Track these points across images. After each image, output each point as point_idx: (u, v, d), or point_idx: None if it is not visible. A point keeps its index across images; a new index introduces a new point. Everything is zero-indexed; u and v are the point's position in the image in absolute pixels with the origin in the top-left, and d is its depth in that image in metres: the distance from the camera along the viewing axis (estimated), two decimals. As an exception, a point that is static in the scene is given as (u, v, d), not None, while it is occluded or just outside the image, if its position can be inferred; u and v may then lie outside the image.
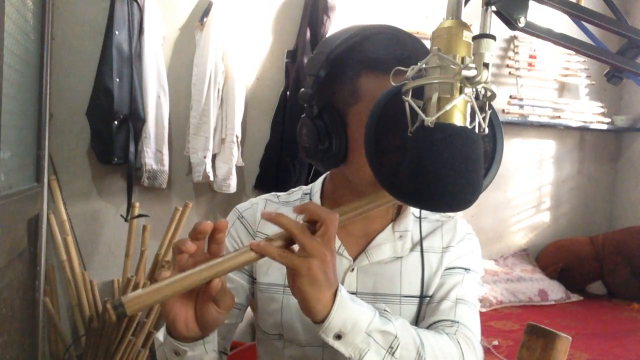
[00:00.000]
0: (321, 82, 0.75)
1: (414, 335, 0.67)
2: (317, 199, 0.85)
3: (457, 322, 0.76)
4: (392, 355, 0.63)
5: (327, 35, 0.80)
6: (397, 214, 0.83)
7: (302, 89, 0.78)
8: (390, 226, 0.82)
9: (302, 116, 0.78)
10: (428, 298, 0.81)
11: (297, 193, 0.90)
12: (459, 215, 0.87)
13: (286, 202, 0.88)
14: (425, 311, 0.80)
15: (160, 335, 0.71)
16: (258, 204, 0.88)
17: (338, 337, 0.61)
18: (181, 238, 0.60)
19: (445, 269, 0.82)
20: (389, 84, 0.71)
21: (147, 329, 1.91)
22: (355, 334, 0.61)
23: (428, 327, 0.77)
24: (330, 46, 0.75)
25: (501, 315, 2.42)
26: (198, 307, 0.61)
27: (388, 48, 0.73)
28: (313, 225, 0.63)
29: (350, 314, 0.61)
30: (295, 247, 0.61)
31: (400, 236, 0.81)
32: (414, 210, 0.85)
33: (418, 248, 0.82)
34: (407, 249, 0.81)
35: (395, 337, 0.64)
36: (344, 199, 0.79)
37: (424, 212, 0.85)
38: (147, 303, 0.55)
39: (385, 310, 0.67)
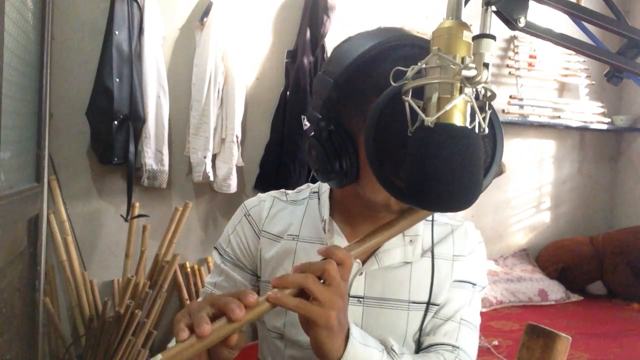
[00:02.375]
0: (330, 107, 0.72)
1: None
2: (325, 198, 0.84)
3: (458, 348, 0.78)
4: None
5: (337, 46, 0.76)
6: None
7: (310, 109, 0.76)
8: None
9: (310, 135, 0.76)
10: (435, 306, 0.80)
11: (305, 191, 0.89)
12: (467, 221, 0.88)
13: (294, 201, 0.88)
14: (430, 325, 0.81)
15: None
16: (265, 202, 0.88)
17: None
18: (193, 304, 0.60)
19: (455, 281, 0.81)
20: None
21: (147, 329, 1.91)
22: None
23: (429, 346, 0.79)
24: (339, 67, 0.71)
25: (501, 315, 2.42)
26: (211, 349, 0.61)
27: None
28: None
29: (360, 358, 0.65)
30: None
31: (411, 241, 0.80)
32: None
33: (428, 254, 0.81)
34: (417, 254, 0.80)
35: None
36: (354, 204, 0.80)
37: (434, 215, 0.85)
38: None
39: (392, 348, 0.70)
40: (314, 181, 0.91)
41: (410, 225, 0.72)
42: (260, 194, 0.90)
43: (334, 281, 0.61)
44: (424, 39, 0.72)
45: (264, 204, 0.87)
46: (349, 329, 0.65)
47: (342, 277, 0.62)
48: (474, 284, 0.83)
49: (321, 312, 0.60)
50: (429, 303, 0.79)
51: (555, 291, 2.71)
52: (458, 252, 0.82)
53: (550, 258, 2.97)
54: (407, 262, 0.80)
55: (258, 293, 0.86)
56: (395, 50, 0.69)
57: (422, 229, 0.82)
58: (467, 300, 0.81)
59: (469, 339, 0.80)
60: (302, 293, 0.62)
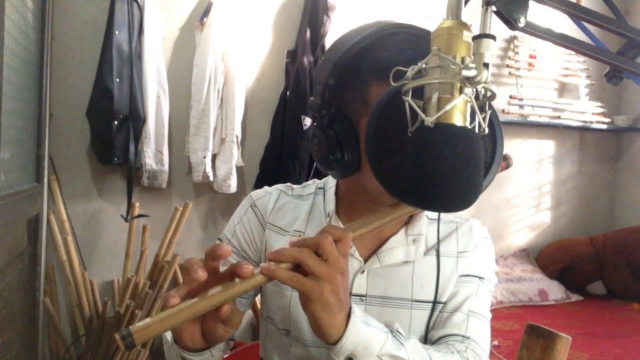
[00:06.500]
0: (330, 92, 0.72)
1: (425, 358, 0.67)
2: (331, 194, 0.84)
3: (468, 338, 0.76)
4: None
5: (336, 38, 0.75)
6: (411, 217, 0.81)
7: (312, 98, 0.76)
8: (403, 229, 0.80)
9: (313, 125, 0.77)
10: (441, 304, 0.79)
11: (311, 187, 0.89)
12: (473, 218, 0.86)
13: (300, 196, 0.88)
14: (437, 319, 0.79)
15: (168, 334, 0.71)
16: (272, 194, 0.87)
17: (349, 359, 0.61)
18: (191, 259, 0.58)
19: (460, 276, 0.80)
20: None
21: (147, 329, 1.91)
22: (367, 357, 0.61)
23: (439, 339, 0.77)
24: (338, 52, 0.71)
25: (501, 315, 2.42)
26: (205, 325, 0.61)
27: (400, 53, 0.68)
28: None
29: (362, 337, 0.61)
30: None
31: (414, 240, 0.79)
32: (428, 212, 0.82)
33: (432, 252, 0.80)
34: (420, 253, 0.79)
35: None
36: (358, 200, 0.79)
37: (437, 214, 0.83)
38: (156, 332, 0.54)
39: (397, 330, 0.67)
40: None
41: (412, 211, 0.70)
42: (266, 187, 0.89)
43: (330, 255, 0.59)
44: (421, 28, 0.73)
45: (270, 195, 0.87)
46: (351, 309, 0.61)
47: (341, 253, 0.60)
48: (480, 278, 0.81)
49: (314, 285, 0.57)
50: (435, 302, 0.78)
51: (555, 291, 2.72)
52: (462, 248, 0.81)
53: (550, 258, 2.97)
54: (410, 261, 0.79)
55: (261, 289, 0.86)
56: (394, 35, 0.70)
57: (426, 228, 0.81)
58: (473, 292, 0.79)
59: (479, 330, 0.77)
60: (301, 270, 0.59)
